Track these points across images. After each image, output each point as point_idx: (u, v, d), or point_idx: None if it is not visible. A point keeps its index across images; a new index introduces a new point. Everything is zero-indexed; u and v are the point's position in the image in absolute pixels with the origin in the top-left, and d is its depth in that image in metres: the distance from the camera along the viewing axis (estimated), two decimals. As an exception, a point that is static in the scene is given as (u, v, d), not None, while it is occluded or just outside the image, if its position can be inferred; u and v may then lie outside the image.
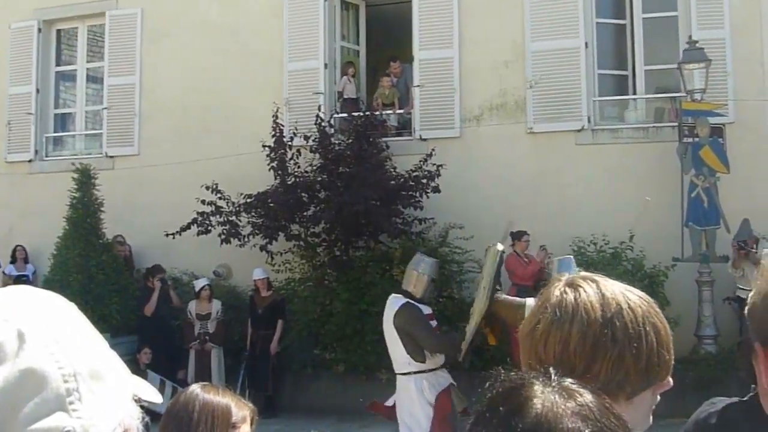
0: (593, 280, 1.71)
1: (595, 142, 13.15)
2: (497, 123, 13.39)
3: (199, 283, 12.88)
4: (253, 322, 12.36)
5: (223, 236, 12.71)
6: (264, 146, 12.78)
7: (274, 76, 14.19)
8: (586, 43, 13.19)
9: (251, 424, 2.57)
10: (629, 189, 12.54)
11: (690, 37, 12.38)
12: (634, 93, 13.51)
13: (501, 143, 13.26)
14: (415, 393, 7.16)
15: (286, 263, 12.88)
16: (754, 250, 11.44)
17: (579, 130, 13.15)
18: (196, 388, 2.59)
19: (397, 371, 7.34)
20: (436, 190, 12.43)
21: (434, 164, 12.45)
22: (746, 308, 1.47)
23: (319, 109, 13.20)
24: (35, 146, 16.08)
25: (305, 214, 12.71)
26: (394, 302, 7.33)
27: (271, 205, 12.61)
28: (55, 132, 16.48)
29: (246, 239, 12.67)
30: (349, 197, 11.91)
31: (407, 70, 14.32)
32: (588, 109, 13.17)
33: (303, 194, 12.68)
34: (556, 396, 1.21)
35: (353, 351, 11.90)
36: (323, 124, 12.89)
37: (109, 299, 12.73)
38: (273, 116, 12.74)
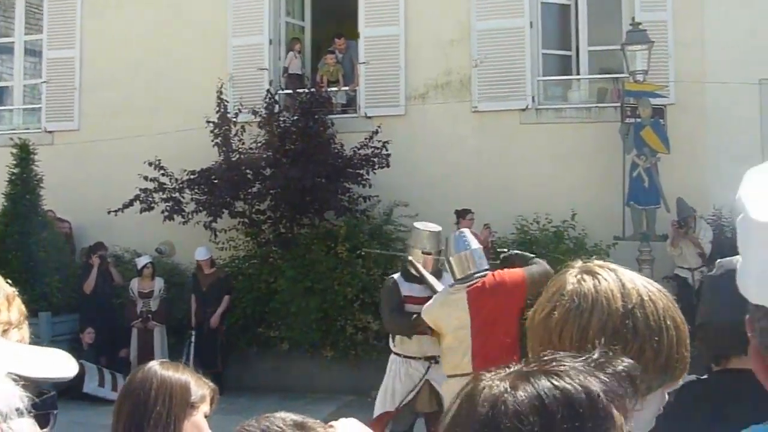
0: (611, 269, 1.66)
1: (539, 121, 13.27)
2: (442, 101, 13.42)
3: (141, 261, 12.73)
4: (198, 300, 12.25)
5: (166, 213, 12.58)
6: (208, 122, 12.65)
7: (219, 51, 14.01)
8: (531, 23, 13.26)
9: (211, 404, 2.49)
10: (572, 168, 12.69)
11: (633, 18, 12.52)
12: (578, 73, 13.64)
13: (446, 121, 13.29)
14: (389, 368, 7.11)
15: (230, 241, 12.82)
16: (691, 229, 11.68)
17: (523, 110, 13.24)
18: (154, 365, 2.48)
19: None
20: (385, 165, 12.42)
21: (380, 141, 12.45)
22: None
23: (270, 84, 13.11)
24: (-29, 120, 15.72)
25: (250, 191, 12.63)
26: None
27: (215, 181, 12.51)
28: (-9, 106, 16.10)
29: (189, 216, 12.56)
30: (295, 174, 11.86)
31: (352, 47, 14.26)
32: (532, 88, 13.27)
33: (247, 171, 12.60)
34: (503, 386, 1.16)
35: (298, 329, 11.90)
36: (269, 100, 12.79)
37: (49, 277, 12.50)
38: (217, 92, 12.62)
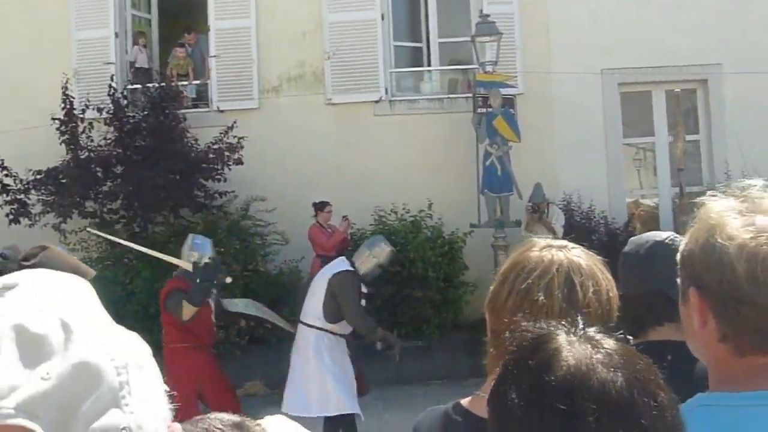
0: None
1: (393, 113, 13.39)
2: (296, 94, 13.35)
3: (-15, 267, 12.09)
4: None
5: (11, 216, 11.99)
6: (54, 119, 12.12)
7: (62, 45, 13.39)
8: (383, 15, 13.36)
9: None
10: (427, 158, 12.88)
11: (481, 11, 12.81)
12: (429, 65, 13.85)
13: (301, 114, 13.23)
14: (312, 346, 7.40)
15: (82, 242, 12.32)
16: (545, 214, 12.05)
17: (377, 101, 13.34)
18: None
19: (302, 320, 7.56)
20: (239, 162, 12.25)
21: (235, 136, 12.26)
22: (678, 255, 1.53)
23: (112, 80, 12.62)
24: None
25: (101, 190, 12.19)
26: (340, 264, 7.66)
27: (63, 181, 12.01)
28: None
29: (37, 218, 12.01)
30: (147, 171, 11.53)
31: (202, 41, 13.98)
32: (385, 80, 13.37)
33: (97, 169, 12.16)
34: (584, 347, 1.19)
35: (157, 331, 11.54)
36: (116, 95, 12.37)
37: None
38: (62, 87, 12.09)
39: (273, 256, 12.28)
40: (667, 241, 2.48)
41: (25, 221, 12.04)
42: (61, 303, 0.86)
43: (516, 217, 12.39)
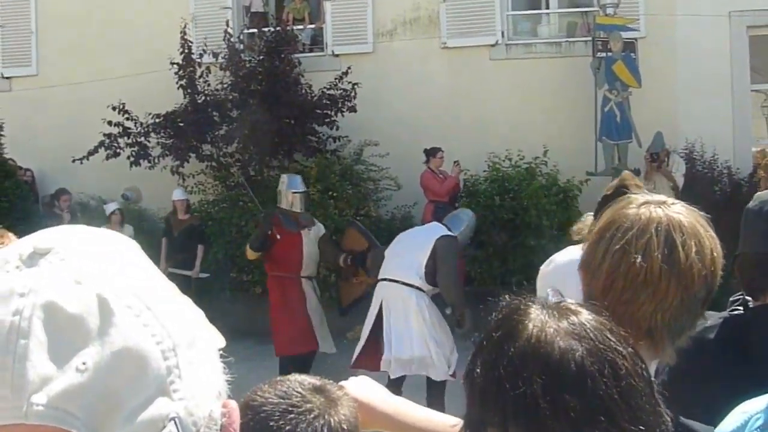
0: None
1: (509, 57, 13.11)
2: (410, 38, 13.21)
3: (109, 207, 12.41)
4: (168, 246, 11.98)
5: (132, 159, 12.31)
6: (172, 64, 12.32)
7: (181, -10, 13.61)
8: (500, -44, 13.04)
9: None
10: (543, 104, 12.59)
11: (603, -50, 12.35)
12: (548, 7, 13.48)
13: (415, 59, 13.09)
14: (414, 306, 7.15)
15: (199, 185, 12.58)
16: (665, 163, 11.66)
17: (493, 45, 13.08)
18: None
19: (399, 279, 7.23)
20: (352, 110, 12.24)
21: (349, 82, 12.23)
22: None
23: (228, 24, 12.74)
24: (-75, 67, 15.22)
25: (217, 133, 12.38)
26: (438, 228, 7.57)
27: (181, 124, 12.24)
28: (-55, 52, 15.59)
29: (156, 161, 12.30)
30: (262, 116, 11.64)
31: (318, -16, 13.97)
32: (502, 23, 13.09)
33: (214, 113, 12.34)
34: (549, 317, 1.20)
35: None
36: (232, 40, 12.48)
37: (14, 228, 12.20)
38: (180, 32, 12.27)
39: (385, 201, 12.28)
40: None
41: (145, 164, 12.34)
42: (100, 275, 0.74)
43: (634, 165, 12.01)
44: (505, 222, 11.52)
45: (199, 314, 0.85)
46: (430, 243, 7.20)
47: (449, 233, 7.41)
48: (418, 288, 7.16)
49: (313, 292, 8.53)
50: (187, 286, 11.30)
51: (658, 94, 12.26)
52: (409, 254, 7.26)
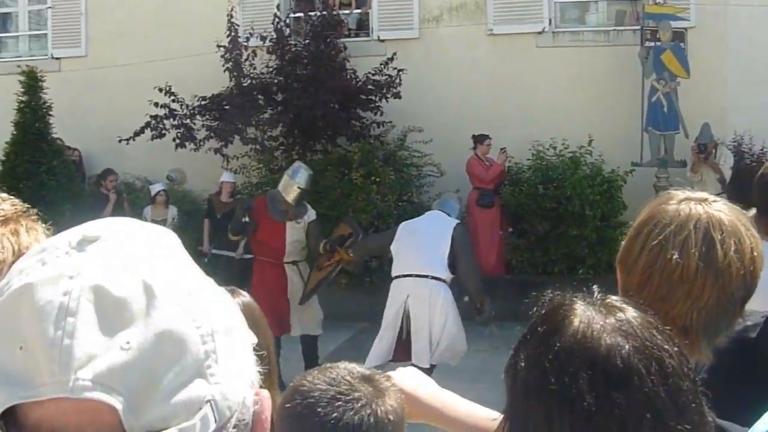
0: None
1: (556, 44, 13.01)
2: (457, 24, 13.15)
3: (154, 188, 12.51)
4: (211, 228, 12.00)
5: (177, 140, 12.41)
6: (219, 46, 12.40)
7: (228, -27, 13.66)
8: (549, -56, 12.92)
9: None
10: (590, 93, 12.47)
11: (654, -62, 12.18)
12: (596, -5, 13.35)
13: (461, 45, 13.03)
14: (442, 300, 7.22)
15: (242, 168, 12.65)
16: (712, 155, 11.50)
17: (540, 33, 12.99)
18: None
19: (427, 273, 7.24)
20: (397, 95, 12.22)
21: (395, 68, 12.21)
22: None
23: (278, 9, 12.80)
24: (-24, 48, 15.50)
25: (262, 117, 12.44)
26: (442, 216, 7.61)
27: (226, 107, 12.31)
28: (-4, 33, 15.85)
29: (201, 143, 12.40)
30: (307, 101, 11.68)
31: (365, -31, 13.95)
32: (549, 11, 13.00)
33: (259, 96, 12.40)
34: (596, 313, 1.20)
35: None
36: (279, 23, 12.52)
37: (60, 206, 12.37)
38: (227, 15, 12.33)
39: (427, 187, 12.25)
40: None
41: (190, 145, 12.44)
42: (145, 262, 0.79)
43: (681, 156, 11.90)
44: (548, 211, 11.47)
45: (234, 307, 0.88)
46: (448, 233, 7.23)
47: (458, 221, 7.54)
48: (443, 280, 7.22)
49: (299, 276, 8.59)
50: (230, 266, 11.39)
51: (706, 85, 12.09)
52: (430, 248, 7.26)
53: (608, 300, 1.24)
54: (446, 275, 7.20)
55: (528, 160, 12.00)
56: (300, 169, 8.72)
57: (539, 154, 11.99)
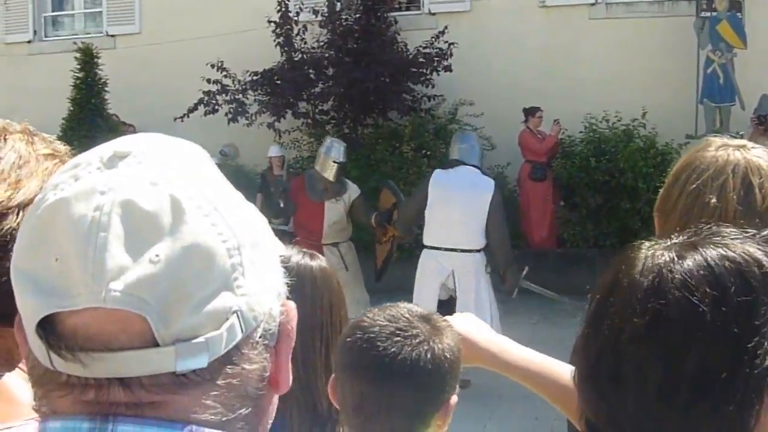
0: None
1: (609, 16, 12.85)
2: (508, -4, 13.05)
3: (209, 163, 12.68)
4: (264, 201, 12.13)
5: (230, 115, 12.53)
6: (269, 22, 12.46)
7: (279, -52, 13.69)
8: None
9: None
10: (644, 65, 12.28)
11: None
12: (650, -35, 13.12)
13: (512, 17, 12.91)
14: (483, 273, 7.29)
15: (294, 141, 12.75)
16: (771, 127, 11.29)
17: (593, 4, 12.84)
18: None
19: (470, 248, 7.26)
20: (448, 69, 12.18)
21: (446, 42, 12.17)
22: None
23: (331, -17, 12.84)
24: (34, 26, 15.72)
25: (313, 91, 12.50)
26: (485, 180, 7.39)
27: (278, 82, 12.39)
28: (53, 11, 16.07)
29: (253, 118, 12.50)
30: (358, 74, 11.70)
31: (415, -57, 13.89)
32: (602, -19, 12.83)
33: (310, 71, 12.45)
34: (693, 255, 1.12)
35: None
36: (331, -2, 12.55)
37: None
38: (278, -10, 12.40)
39: (478, 161, 12.20)
40: None
41: (242, 120, 12.53)
42: (174, 177, 0.81)
43: (737, 129, 11.67)
44: (601, 184, 11.37)
45: (263, 221, 0.92)
46: (486, 204, 7.15)
47: (492, 182, 7.41)
48: (479, 251, 7.25)
49: (339, 258, 8.34)
50: (282, 240, 11.48)
51: (764, 56, 11.83)
52: (471, 221, 7.20)
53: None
54: (483, 243, 7.24)
55: (580, 132, 11.90)
56: (334, 144, 8.68)
57: (592, 126, 11.88)
